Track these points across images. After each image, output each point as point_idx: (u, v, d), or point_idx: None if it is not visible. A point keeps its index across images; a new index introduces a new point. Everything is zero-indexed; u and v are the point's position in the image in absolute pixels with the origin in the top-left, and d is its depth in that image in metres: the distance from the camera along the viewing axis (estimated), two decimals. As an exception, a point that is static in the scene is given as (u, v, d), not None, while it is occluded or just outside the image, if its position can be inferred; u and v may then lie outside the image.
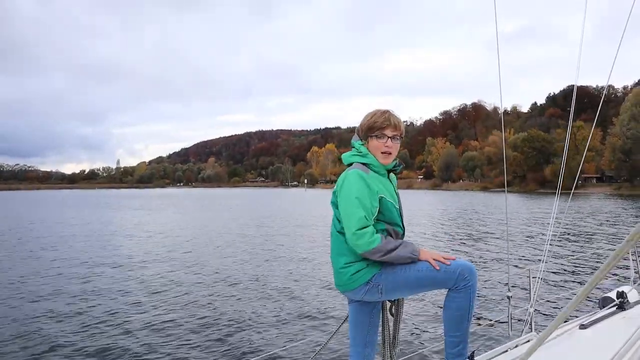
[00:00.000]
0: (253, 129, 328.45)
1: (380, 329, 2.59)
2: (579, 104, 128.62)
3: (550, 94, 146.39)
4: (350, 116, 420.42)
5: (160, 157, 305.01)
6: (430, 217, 36.10)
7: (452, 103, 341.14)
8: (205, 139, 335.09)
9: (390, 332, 2.56)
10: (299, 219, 32.69)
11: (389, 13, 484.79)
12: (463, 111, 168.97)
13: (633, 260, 4.65)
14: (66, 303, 9.56)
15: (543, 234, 23.99)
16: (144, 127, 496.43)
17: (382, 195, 2.36)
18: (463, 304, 2.32)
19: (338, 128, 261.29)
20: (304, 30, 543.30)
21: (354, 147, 2.52)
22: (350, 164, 2.47)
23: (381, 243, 2.27)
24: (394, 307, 2.56)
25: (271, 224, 29.16)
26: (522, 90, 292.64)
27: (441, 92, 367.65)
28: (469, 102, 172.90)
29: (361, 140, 2.50)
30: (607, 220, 29.24)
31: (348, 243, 2.31)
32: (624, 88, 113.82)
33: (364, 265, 2.33)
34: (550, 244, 4.27)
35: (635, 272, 4.46)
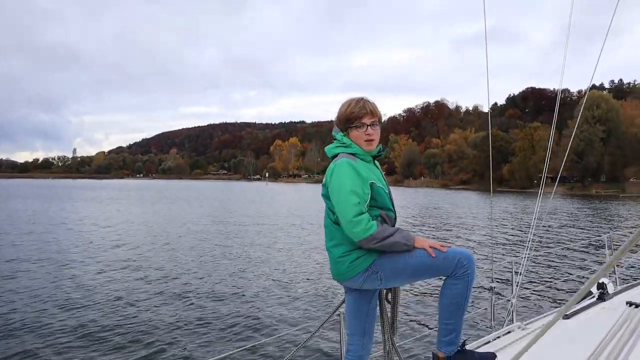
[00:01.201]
0: (217, 121, 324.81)
1: (378, 317, 2.60)
2: (537, 106, 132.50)
3: (510, 95, 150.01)
4: (315, 111, 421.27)
5: (120, 147, 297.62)
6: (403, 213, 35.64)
7: (415, 101, 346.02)
8: (168, 130, 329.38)
9: (389, 319, 2.58)
10: (253, 215, 32.03)
11: (357, 10, 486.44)
12: (426, 109, 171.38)
13: (609, 253, 4.82)
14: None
15: (508, 229, 24.28)
16: (105, 117, 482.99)
17: (373, 181, 2.35)
18: (460, 291, 2.32)
19: (302, 122, 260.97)
20: (273, 24, 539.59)
21: (336, 139, 2.50)
22: (334, 156, 2.46)
23: (377, 230, 2.25)
24: (390, 294, 2.57)
25: (221, 217, 28.42)
26: (484, 90, 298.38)
27: (405, 89, 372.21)
28: (432, 101, 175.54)
29: (342, 131, 2.48)
30: (574, 219, 30.34)
31: (344, 232, 2.29)
32: (579, 92, 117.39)
33: (363, 253, 2.32)
34: (532, 240, 4.49)
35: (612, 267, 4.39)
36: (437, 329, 2.49)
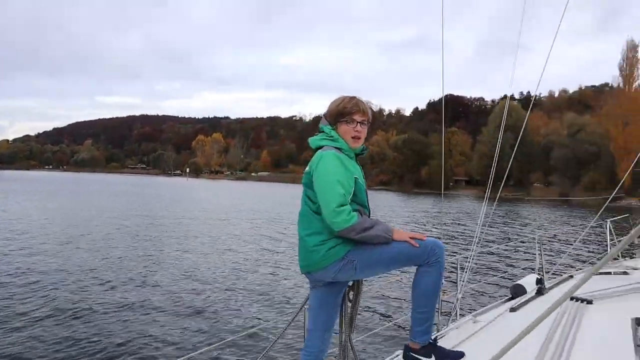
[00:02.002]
0: (137, 113, 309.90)
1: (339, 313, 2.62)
2: (455, 112, 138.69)
3: (430, 100, 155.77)
4: (240, 107, 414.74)
5: (27, 135, 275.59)
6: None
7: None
8: (83, 120, 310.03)
9: (349, 316, 2.58)
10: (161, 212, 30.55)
11: (289, 9, 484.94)
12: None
13: (538, 252, 5.16)
14: None
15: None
16: (10, 101, 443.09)
17: (356, 177, 2.42)
18: (433, 279, 2.38)
19: (227, 118, 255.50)
20: (201, 15, 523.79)
21: (323, 132, 2.56)
22: (318, 148, 2.52)
23: (358, 221, 2.31)
24: (352, 292, 2.59)
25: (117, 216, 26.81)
26: (406, 94, 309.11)
27: (331, 90, 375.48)
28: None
29: (330, 124, 2.55)
30: (501, 221, 31.29)
31: (325, 220, 2.32)
32: (492, 101, 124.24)
33: (339, 242, 2.35)
34: (479, 238, 4.83)
35: (540, 263, 5.00)
36: (394, 324, 2.83)
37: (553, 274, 5.43)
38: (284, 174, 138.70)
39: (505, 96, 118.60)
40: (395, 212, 37.84)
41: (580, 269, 5.80)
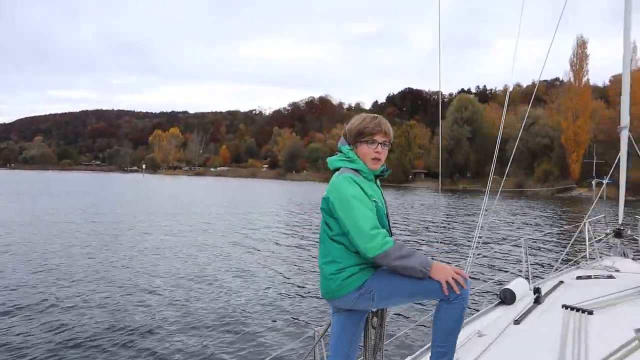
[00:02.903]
0: (91, 108, 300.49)
1: (362, 339, 2.52)
2: (414, 105, 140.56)
3: (390, 94, 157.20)
4: (199, 101, 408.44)
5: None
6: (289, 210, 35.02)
7: (301, 95, 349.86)
8: (33, 115, 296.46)
9: (372, 343, 2.48)
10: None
11: (250, 0, 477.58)
12: (311, 104, 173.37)
13: (524, 255, 5.11)
14: None
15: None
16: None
17: (376, 200, 2.35)
18: (455, 315, 2.29)
19: (185, 112, 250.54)
20: (159, 7, 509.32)
21: (341, 152, 2.47)
22: (336, 169, 2.45)
23: (394, 247, 2.21)
24: (375, 318, 2.48)
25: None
26: (366, 88, 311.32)
27: (292, 84, 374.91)
28: (317, 96, 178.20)
29: (349, 145, 2.46)
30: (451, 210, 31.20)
31: (358, 247, 2.24)
32: (450, 95, 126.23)
33: (356, 270, 2.30)
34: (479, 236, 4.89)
35: (527, 266, 4.97)
36: (420, 349, 2.68)
37: (537, 276, 5.45)
38: (243, 169, 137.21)
39: (462, 90, 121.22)
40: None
41: (565, 269, 5.73)
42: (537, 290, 4.15)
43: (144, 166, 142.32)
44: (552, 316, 3.58)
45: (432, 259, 2.34)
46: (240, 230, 21.48)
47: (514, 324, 3.53)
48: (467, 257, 4.93)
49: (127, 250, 15.18)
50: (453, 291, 2.22)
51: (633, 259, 6.41)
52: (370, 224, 2.22)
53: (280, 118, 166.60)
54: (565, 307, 3.64)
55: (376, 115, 2.50)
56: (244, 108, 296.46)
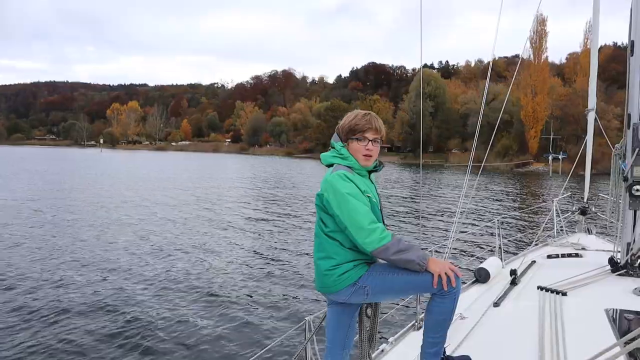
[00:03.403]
0: (43, 79, 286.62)
1: (358, 329, 2.61)
2: (377, 80, 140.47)
3: (353, 68, 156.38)
4: (159, 74, 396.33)
5: None
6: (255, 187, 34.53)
7: (264, 69, 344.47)
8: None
9: (367, 333, 2.58)
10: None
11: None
12: (274, 77, 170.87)
13: (498, 235, 5.38)
14: None
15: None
16: None
17: (369, 195, 2.39)
18: (447, 308, 2.36)
19: (145, 85, 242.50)
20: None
21: (334, 148, 2.51)
22: (329, 165, 2.49)
23: (392, 241, 2.26)
24: (370, 308, 2.57)
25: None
26: (330, 62, 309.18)
27: (255, 57, 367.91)
28: (280, 69, 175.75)
29: (342, 141, 2.50)
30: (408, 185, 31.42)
31: (356, 242, 2.29)
32: (413, 70, 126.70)
33: (351, 267, 2.34)
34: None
35: (499, 246, 5.21)
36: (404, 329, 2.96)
37: (509, 253, 5.72)
38: (205, 143, 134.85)
39: (425, 65, 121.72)
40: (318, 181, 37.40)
41: (535, 247, 5.95)
42: (513, 272, 4.23)
43: (101, 141, 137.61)
44: (529, 298, 3.76)
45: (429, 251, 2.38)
46: (209, 207, 21.12)
47: (494, 306, 3.64)
48: (447, 238, 5.16)
49: (96, 233, 14.63)
50: (444, 289, 2.28)
51: (596, 235, 6.68)
52: (367, 219, 2.26)
53: (243, 91, 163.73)
54: (540, 288, 3.84)
55: (368, 112, 2.53)
56: (206, 81, 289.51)
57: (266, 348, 3.21)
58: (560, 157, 53.93)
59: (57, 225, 15.44)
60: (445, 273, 2.27)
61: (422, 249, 2.48)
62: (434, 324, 2.43)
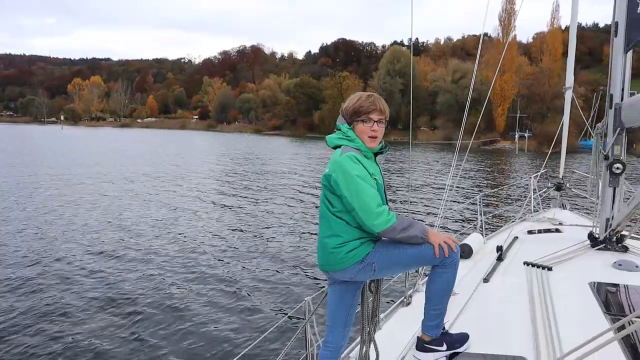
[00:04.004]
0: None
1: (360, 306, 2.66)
2: (347, 56, 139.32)
3: (323, 44, 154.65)
4: (123, 48, 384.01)
5: None
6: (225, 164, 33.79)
7: (232, 44, 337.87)
8: None
9: (370, 309, 2.62)
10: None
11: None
12: (242, 53, 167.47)
13: (479, 211, 5.68)
14: None
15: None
16: None
17: (376, 177, 2.44)
18: (448, 278, 2.47)
19: (108, 60, 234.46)
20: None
21: (340, 130, 2.53)
22: (335, 147, 2.52)
23: (397, 221, 2.35)
24: (373, 283, 2.62)
25: None
26: (299, 38, 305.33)
27: (223, 31, 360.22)
28: (248, 45, 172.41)
29: (347, 123, 2.53)
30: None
31: (364, 223, 2.34)
32: (383, 47, 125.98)
33: (358, 244, 2.40)
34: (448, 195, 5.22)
35: (481, 222, 5.44)
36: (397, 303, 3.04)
37: (489, 230, 5.90)
38: (172, 120, 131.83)
39: (395, 42, 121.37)
40: (295, 159, 36.83)
41: (514, 222, 6.13)
42: (499, 249, 4.39)
43: (62, 117, 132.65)
44: (516, 273, 3.90)
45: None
46: (180, 185, 20.59)
47: (484, 282, 3.75)
48: (430, 215, 5.43)
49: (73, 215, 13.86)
50: (445, 257, 2.39)
51: (570, 210, 7.01)
52: (375, 202, 2.32)
53: (211, 67, 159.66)
54: (527, 264, 3.99)
55: (371, 93, 2.55)
56: (172, 56, 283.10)
57: (267, 332, 3.16)
58: (526, 135, 54.69)
59: (21, 205, 14.61)
60: (445, 242, 2.40)
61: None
62: (436, 295, 2.52)
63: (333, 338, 2.59)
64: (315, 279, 8.88)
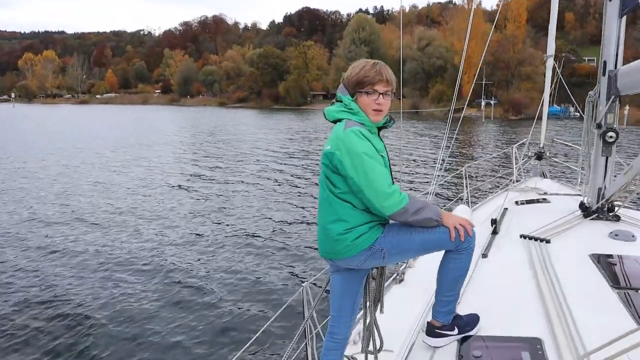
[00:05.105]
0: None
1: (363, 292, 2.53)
2: (312, 25, 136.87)
3: (286, 13, 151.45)
4: (78, 20, 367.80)
5: None
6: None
7: (193, 14, 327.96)
8: None
9: (373, 296, 2.46)
10: None
11: None
12: (204, 23, 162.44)
13: (465, 183, 5.74)
14: None
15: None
16: None
17: (382, 155, 2.26)
18: (463, 264, 2.32)
19: (62, 33, 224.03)
20: None
21: (341, 101, 2.31)
22: (335, 121, 2.30)
23: (410, 201, 2.17)
24: (377, 269, 2.44)
25: None
26: (262, 7, 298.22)
27: (183, 1, 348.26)
28: (210, 15, 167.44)
29: (349, 94, 2.30)
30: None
31: (373, 205, 2.15)
32: (348, 15, 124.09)
33: (366, 230, 2.21)
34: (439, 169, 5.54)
35: (467, 194, 5.63)
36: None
37: (474, 202, 5.95)
38: (133, 95, 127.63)
39: (360, 10, 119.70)
40: (265, 133, 35.71)
41: (497, 192, 6.22)
42: (493, 222, 4.24)
43: (13, 95, 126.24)
44: (514, 247, 3.80)
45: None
46: (147, 166, 19.52)
47: (482, 257, 3.62)
48: (430, 184, 5.25)
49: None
50: (461, 240, 2.23)
51: (551, 178, 7.06)
52: (386, 182, 2.13)
53: (172, 39, 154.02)
54: (524, 237, 3.92)
55: (377, 61, 2.31)
56: (131, 28, 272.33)
57: (266, 324, 2.85)
58: (492, 102, 54.82)
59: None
60: (461, 224, 2.23)
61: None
62: (449, 282, 2.37)
63: (339, 329, 2.43)
64: (306, 262, 8.57)
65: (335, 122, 2.30)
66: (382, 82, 2.26)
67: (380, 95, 2.26)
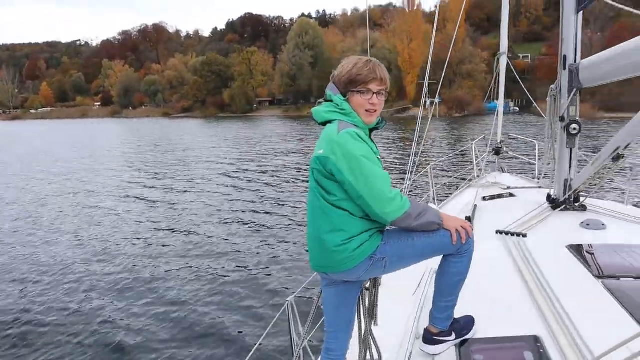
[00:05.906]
0: None
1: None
2: (255, 31, 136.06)
3: (229, 20, 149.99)
4: (7, 31, 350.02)
5: None
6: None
7: (132, 23, 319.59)
8: None
9: (367, 306, 2.38)
10: None
11: None
12: (144, 32, 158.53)
13: (431, 181, 6.01)
14: None
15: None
16: None
17: (378, 157, 2.15)
18: (462, 269, 2.23)
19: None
20: None
21: (331, 101, 2.16)
22: (325, 122, 2.15)
23: (411, 206, 2.05)
24: (370, 280, 2.37)
25: None
26: (204, 14, 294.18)
27: (124, 8, 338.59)
28: (150, 23, 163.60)
29: (340, 94, 2.16)
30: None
31: (373, 212, 2.01)
32: (291, 20, 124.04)
33: (366, 238, 2.07)
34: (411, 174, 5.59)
35: (433, 192, 5.83)
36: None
37: (442, 198, 5.94)
38: (71, 109, 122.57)
39: (302, 14, 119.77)
40: (215, 144, 34.49)
41: (461, 188, 6.16)
42: (468, 219, 4.23)
43: None
44: (492, 243, 3.77)
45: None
46: (89, 180, 18.11)
47: None
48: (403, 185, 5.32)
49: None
50: (461, 243, 2.16)
51: (509, 172, 7.11)
52: (387, 186, 2.00)
53: (111, 49, 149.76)
54: (499, 232, 3.92)
55: (370, 58, 2.17)
56: (66, 39, 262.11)
57: (255, 345, 2.79)
58: (436, 101, 55.86)
59: None
60: (462, 226, 2.15)
61: None
62: (449, 287, 2.28)
63: (336, 345, 2.31)
64: (280, 273, 8.19)
65: (324, 124, 2.14)
66: (376, 81, 2.12)
67: (374, 95, 2.13)
